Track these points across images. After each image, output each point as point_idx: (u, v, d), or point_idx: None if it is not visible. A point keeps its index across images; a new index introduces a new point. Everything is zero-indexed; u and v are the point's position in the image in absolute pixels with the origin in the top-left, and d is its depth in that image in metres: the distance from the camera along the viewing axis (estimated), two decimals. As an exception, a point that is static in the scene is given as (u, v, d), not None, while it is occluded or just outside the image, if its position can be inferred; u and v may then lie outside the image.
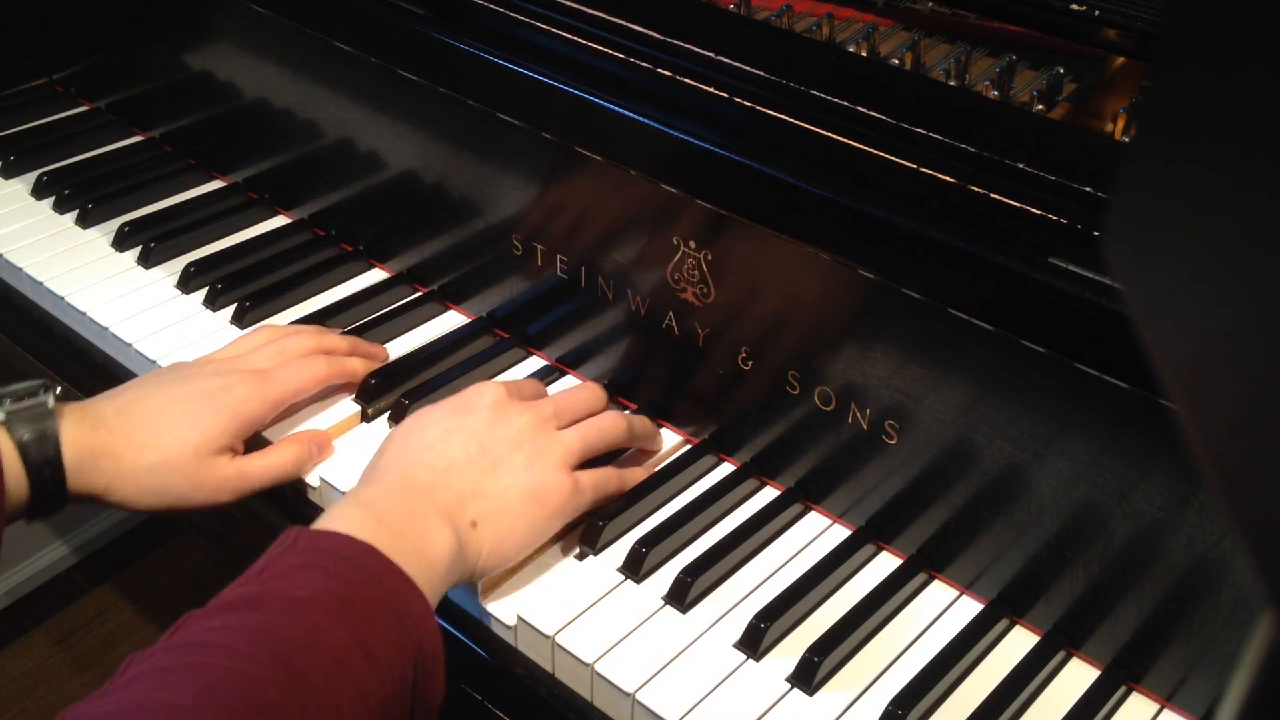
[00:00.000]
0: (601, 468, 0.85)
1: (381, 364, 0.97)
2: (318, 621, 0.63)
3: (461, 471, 0.77)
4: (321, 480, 0.88)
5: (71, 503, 0.82)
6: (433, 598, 0.70)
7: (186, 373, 0.88)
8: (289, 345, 0.93)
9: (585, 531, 0.83)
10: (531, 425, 0.81)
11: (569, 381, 0.99)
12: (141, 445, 0.82)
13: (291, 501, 0.90)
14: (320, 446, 0.90)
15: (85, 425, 0.82)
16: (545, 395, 0.88)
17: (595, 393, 0.89)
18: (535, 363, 1.00)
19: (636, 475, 0.87)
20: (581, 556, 0.83)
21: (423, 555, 0.70)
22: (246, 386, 0.87)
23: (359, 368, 0.95)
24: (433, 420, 0.80)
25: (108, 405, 0.85)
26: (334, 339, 0.97)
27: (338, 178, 1.10)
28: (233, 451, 0.86)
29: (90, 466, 0.81)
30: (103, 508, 0.85)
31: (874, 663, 0.78)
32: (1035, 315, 0.71)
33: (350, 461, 0.90)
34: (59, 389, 0.83)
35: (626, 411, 0.90)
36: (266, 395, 0.88)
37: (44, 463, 0.79)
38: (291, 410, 0.92)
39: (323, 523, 0.70)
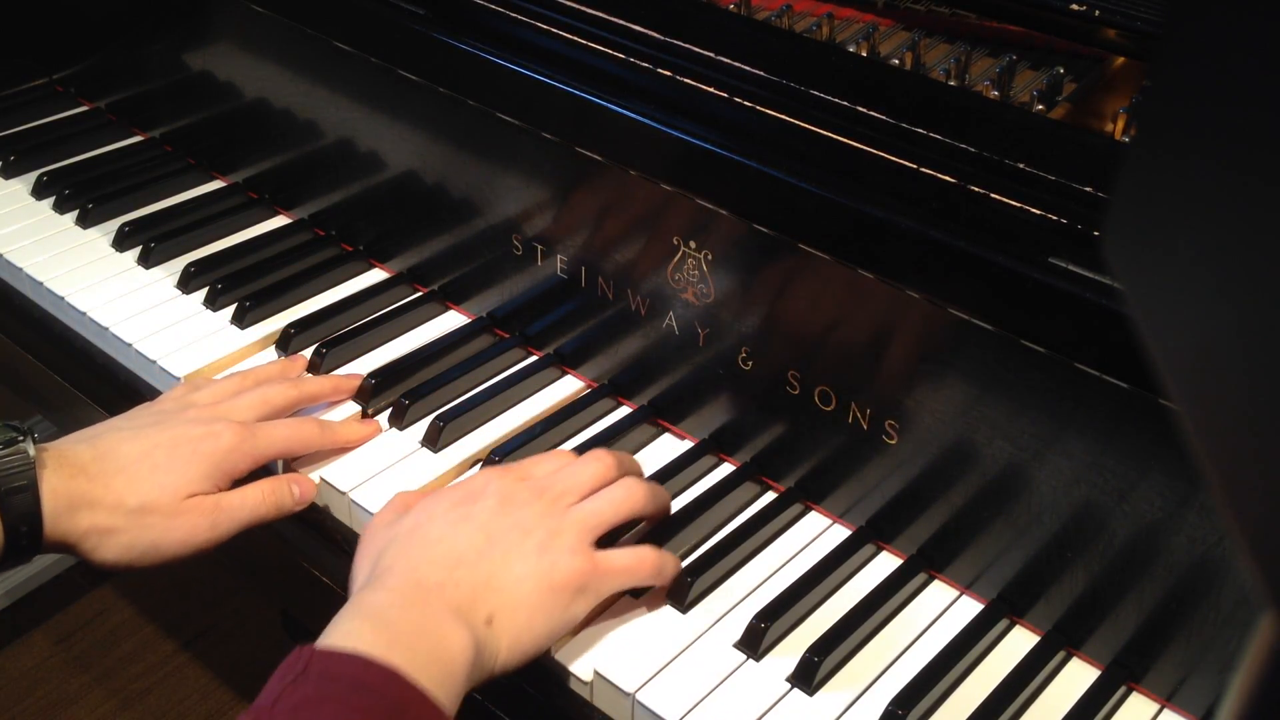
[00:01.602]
0: (633, 548, 0.79)
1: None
2: None
3: (471, 566, 0.72)
4: (321, 479, 0.88)
5: (46, 553, 0.79)
6: (453, 709, 0.66)
7: (166, 417, 0.85)
8: (271, 396, 0.90)
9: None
10: (541, 509, 0.76)
11: (569, 382, 0.99)
12: (120, 492, 0.79)
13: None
14: (304, 488, 0.86)
15: (64, 473, 0.78)
16: (567, 465, 0.82)
17: (605, 463, 0.82)
18: (535, 363, 1.00)
19: (669, 565, 0.80)
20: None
21: (441, 664, 0.66)
22: (232, 438, 0.84)
23: (350, 436, 0.91)
24: (436, 513, 0.75)
25: (85, 451, 0.81)
26: (315, 385, 0.93)
27: (338, 178, 1.10)
28: (212, 495, 0.83)
29: (68, 516, 0.78)
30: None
31: (874, 663, 0.78)
32: (1035, 315, 0.71)
33: (351, 461, 0.89)
34: (35, 434, 0.79)
35: (638, 480, 0.83)
36: (252, 450, 0.85)
37: (22, 516, 0.76)
38: (292, 412, 0.92)
39: (332, 639, 0.65)
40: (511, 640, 0.71)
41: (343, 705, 0.61)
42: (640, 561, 0.78)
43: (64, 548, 0.80)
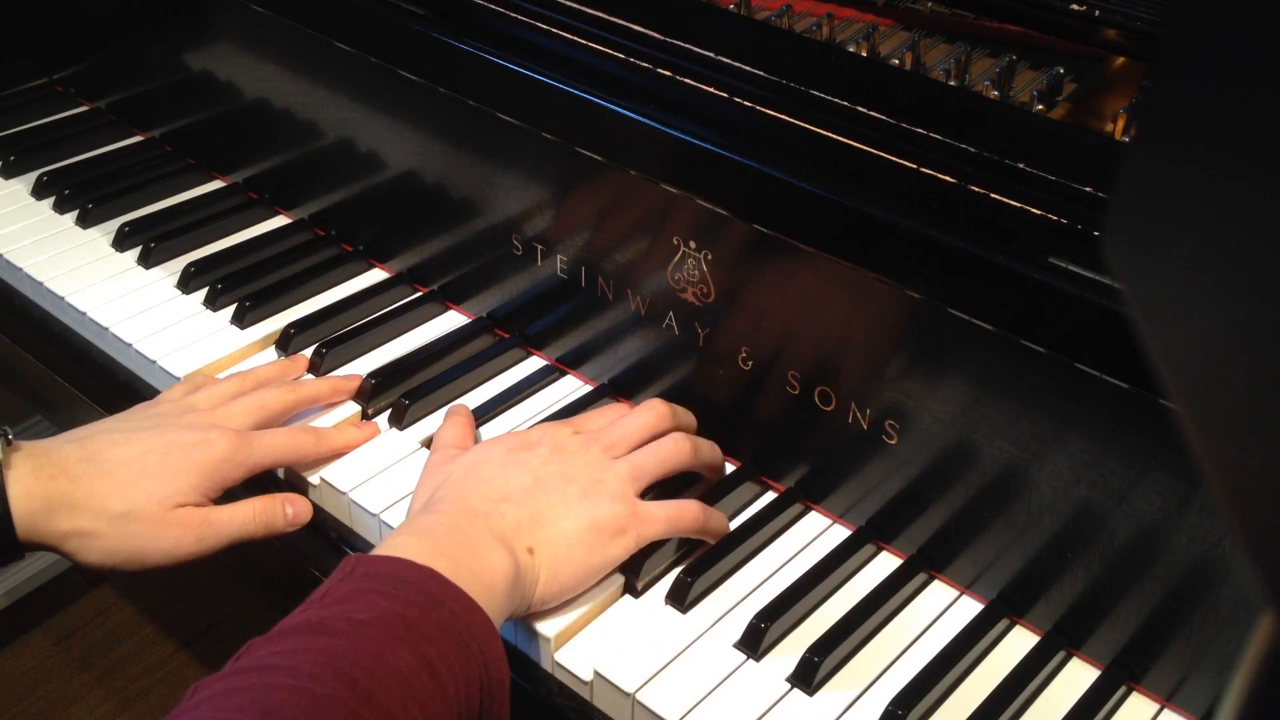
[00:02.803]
0: (678, 500, 0.81)
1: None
2: (382, 643, 0.62)
3: (517, 502, 0.75)
4: (321, 480, 0.88)
5: (28, 552, 0.79)
6: (496, 619, 0.69)
7: (161, 421, 0.85)
8: (268, 401, 0.89)
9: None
10: (590, 459, 0.80)
11: (569, 381, 0.99)
12: (104, 496, 0.78)
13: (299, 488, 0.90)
14: (297, 509, 0.86)
15: (43, 475, 0.78)
16: (621, 417, 0.85)
17: (659, 414, 0.85)
18: (535, 362, 1.00)
19: (717, 517, 0.83)
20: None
21: (481, 579, 0.69)
22: (226, 446, 0.83)
23: (347, 441, 0.90)
24: (491, 456, 0.79)
25: (71, 451, 0.80)
26: (313, 388, 0.93)
27: (338, 178, 1.10)
28: (200, 506, 0.82)
29: (45, 518, 0.77)
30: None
31: (874, 663, 0.78)
32: (1035, 315, 0.71)
33: (351, 461, 0.89)
34: (10, 434, 0.78)
35: (686, 436, 0.85)
36: (245, 459, 0.84)
37: None
38: (291, 416, 0.92)
39: (379, 550, 0.69)
40: (550, 572, 0.74)
41: (384, 596, 0.64)
42: (683, 512, 0.80)
43: (46, 548, 0.79)
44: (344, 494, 0.87)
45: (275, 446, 0.86)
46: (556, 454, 0.79)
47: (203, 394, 0.89)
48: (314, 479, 0.88)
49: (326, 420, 0.93)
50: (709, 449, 0.87)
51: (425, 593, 0.66)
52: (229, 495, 0.85)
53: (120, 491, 0.79)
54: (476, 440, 0.89)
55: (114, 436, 0.82)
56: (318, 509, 0.89)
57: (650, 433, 0.84)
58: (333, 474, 0.88)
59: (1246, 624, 0.70)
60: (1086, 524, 0.74)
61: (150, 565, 0.81)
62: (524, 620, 0.77)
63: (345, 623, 0.63)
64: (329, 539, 0.88)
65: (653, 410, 0.85)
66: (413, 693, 0.61)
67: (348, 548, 0.86)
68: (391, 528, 0.84)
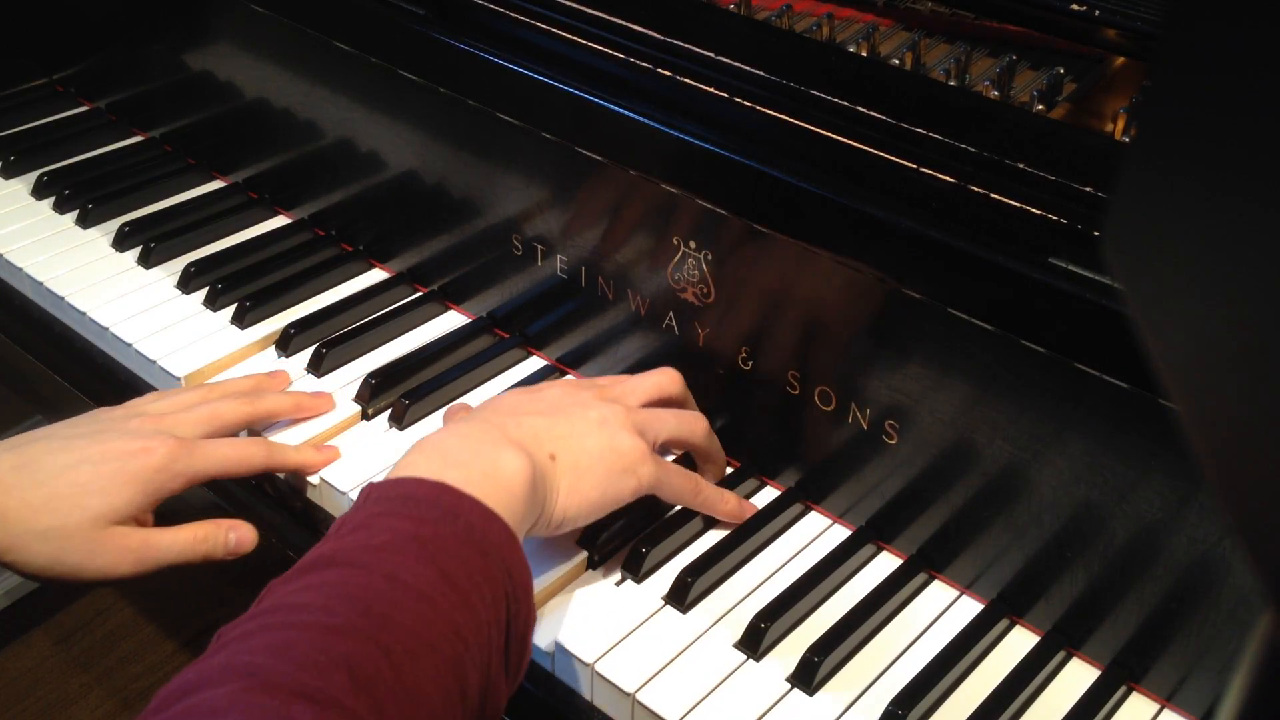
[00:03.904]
0: (690, 471, 0.83)
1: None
2: (397, 563, 0.61)
3: (534, 419, 0.75)
4: (321, 480, 0.88)
5: None
6: (513, 524, 0.67)
7: (104, 426, 0.82)
8: (222, 410, 0.86)
9: (586, 532, 0.83)
10: (602, 400, 0.80)
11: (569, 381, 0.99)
12: (36, 509, 0.76)
13: (289, 499, 0.90)
14: (241, 537, 0.83)
15: None
16: (627, 377, 0.86)
17: (669, 375, 0.86)
18: (535, 363, 1.00)
19: (712, 490, 0.84)
20: (581, 556, 0.83)
21: (497, 482, 0.68)
22: (165, 455, 0.80)
23: (304, 460, 0.88)
24: (506, 394, 0.81)
25: (5, 459, 0.78)
26: (273, 402, 0.90)
27: (338, 178, 1.10)
28: (138, 522, 0.80)
29: None
30: None
31: (874, 663, 0.78)
32: (1035, 315, 0.71)
33: (350, 462, 0.89)
34: None
35: (703, 418, 0.86)
36: (186, 468, 0.81)
37: None
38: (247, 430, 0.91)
39: (392, 473, 0.69)
40: (572, 482, 0.74)
41: (396, 518, 0.64)
42: (689, 477, 0.82)
43: None
44: (344, 494, 0.87)
45: (219, 456, 0.83)
46: (571, 392, 0.80)
47: (161, 402, 0.87)
48: (314, 479, 0.88)
49: (324, 420, 0.93)
50: (718, 445, 0.87)
51: (439, 507, 0.65)
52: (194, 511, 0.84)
53: (52, 504, 0.76)
54: None
55: (51, 444, 0.79)
56: (318, 509, 0.89)
57: (659, 391, 0.84)
58: (332, 474, 0.88)
59: (1246, 624, 0.70)
60: (1086, 524, 0.74)
61: (86, 580, 0.79)
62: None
63: (359, 550, 0.62)
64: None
65: (663, 372, 0.86)
66: (433, 607, 0.60)
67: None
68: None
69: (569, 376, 0.98)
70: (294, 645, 0.57)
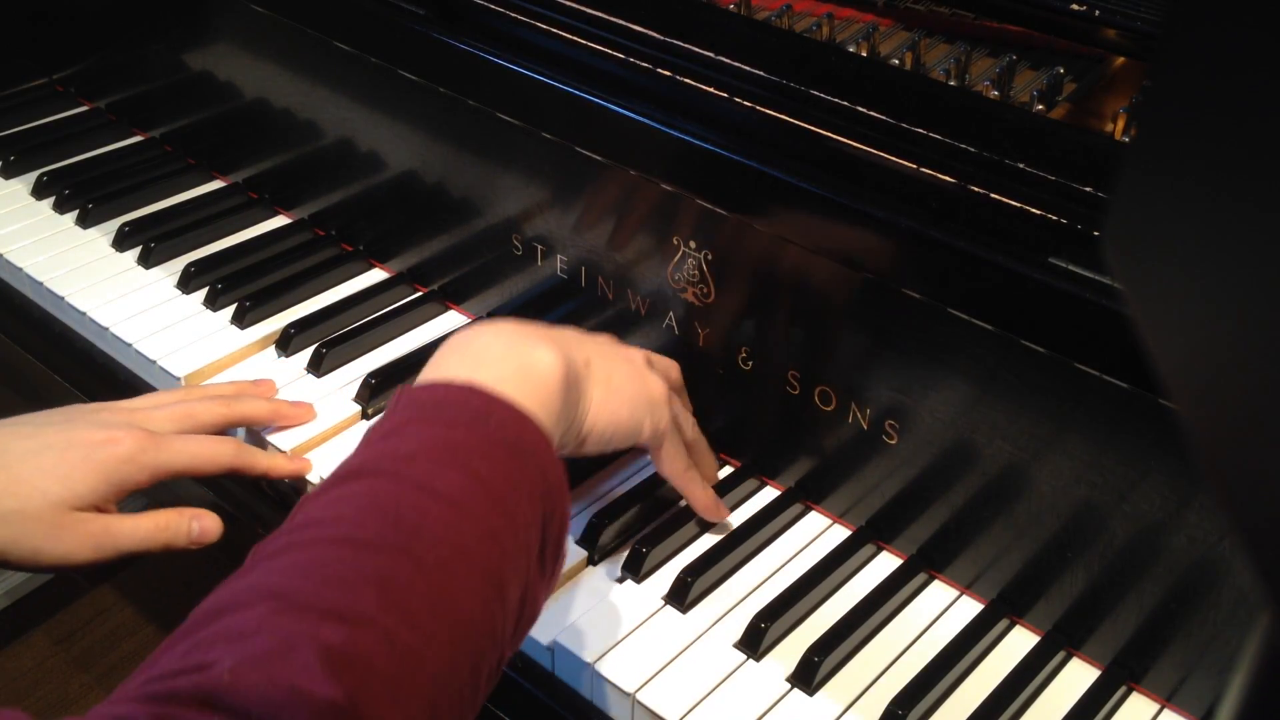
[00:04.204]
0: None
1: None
2: (428, 471, 0.60)
3: (565, 334, 0.74)
4: (320, 480, 0.88)
5: None
6: (548, 423, 0.66)
7: (74, 417, 0.82)
8: (197, 410, 0.86)
9: (586, 533, 0.84)
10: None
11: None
12: None
13: (290, 499, 0.90)
14: (204, 526, 0.82)
15: None
16: None
17: (677, 367, 0.87)
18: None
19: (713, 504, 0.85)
20: (581, 556, 0.83)
21: (531, 378, 0.67)
22: (131, 446, 0.79)
23: (271, 465, 0.87)
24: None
25: None
26: (251, 407, 0.90)
27: (338, 178, 1.10)
28: (101, 510, 0.79)
29: None
30: None
31: (874, 663, 0.78)
32: (1035, 315, 0.71)
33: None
34: None
35: None
36: (151, 461, 0.80)
37: None
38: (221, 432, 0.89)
39: (423, 374, 0.68)
40: (604, 393, 0.73)
41: (425, 423, 0.63)
42: (689, 459, 0.82)
43: None
44: None
45: (187, 453, 0.82)
46: (591, 334, 0.79)
47: (140, 398, 0.87)
48: (313, 477, 0.88)
49: (324, 419, 0.93)
50: (708, 446, 0.87)
51: (470, 409, 0.63)
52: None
53: (13, 488, 0.76)
54: None
55: (20, 429, 0.79)
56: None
57: (671, 371, 0.86)
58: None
59: (1246, 624, 0.70)
60: (1086, 524, 0.74)
61: (46, 565, 0.78)
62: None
63: (389, 459, 0.61)
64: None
65: (671, 361, 0.87)
66: (465, 513, 0.59)
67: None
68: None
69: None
70: (322, 563, 0.55)
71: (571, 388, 0.70)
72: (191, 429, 0.85)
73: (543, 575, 0.63)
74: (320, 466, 0.89)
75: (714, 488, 0.87)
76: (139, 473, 0.80)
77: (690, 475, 0.83)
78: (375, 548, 0.56)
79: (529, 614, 0.62)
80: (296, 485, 0.90)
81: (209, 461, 0.83)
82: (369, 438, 0.64)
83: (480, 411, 0.63)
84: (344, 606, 0.53)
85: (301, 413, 0.92)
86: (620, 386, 0.75)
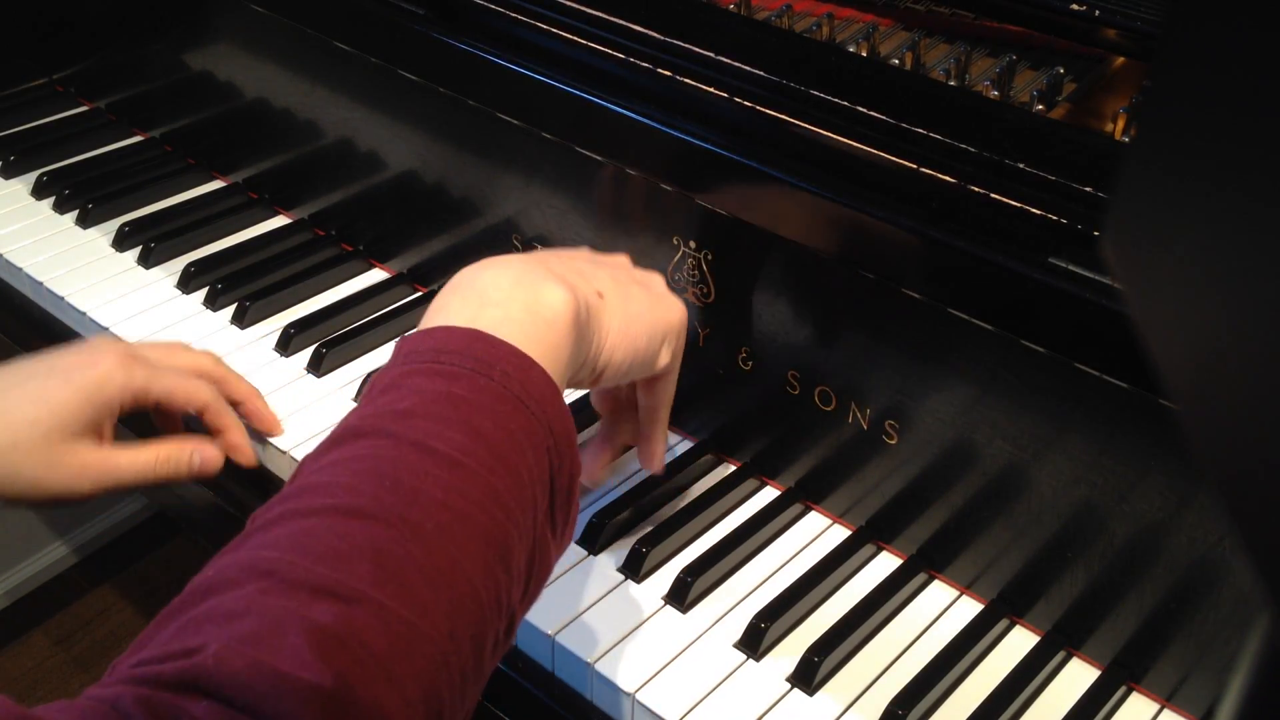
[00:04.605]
0: None
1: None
2: (427, 429, 0.57)
3: (577, 261, 0.71)
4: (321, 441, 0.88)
5: None
6: (557, 367, 0.64)
7: (61, 350, 0.82)
8: (182, 352, 0.87)
9: (586, 532, 0.84)
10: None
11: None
12: None
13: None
14: (205, 457, 0.83)
15: None
16: None
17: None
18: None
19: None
20: (581, 556, 0.83)
21: (539, 317, 0.64)
22: (110, 366, 0.79)
23: (249, 401, 0.88)
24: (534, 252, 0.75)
25: None
26: (237, 383, 0.89)
27: (338, 178, 1.10)
28: (98, 438, 0.79)
29: None
30: (107, 506, 0.83)
31: (874, 663, 0.78)
32: (1035, 315, 0.71)
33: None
34: None
35: None
36: (129, 380, 0.80)
37: None
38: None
39: (426, 317, 0.65)
40: (621, 325, 0.70)
41: (426, 375, 0.60)
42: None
43: None
44: None
45: (166, 381, 0.82)
46: (602, 255, 0.77)
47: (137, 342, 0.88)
48: (284, 444, 0.88)
49: (323, 418, 0.93)
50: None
51: (472, 358, 0.60)
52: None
53: (6, 421, 0.76)
54: None
55: (6, 368, 0.80)
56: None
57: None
58: (333, 474, 0.88)
59: (1246, 624, 0.70)
60: (1086, 524, 0.74)
61: (47, 497, 0.78)
62: (525, 621, 0.77)
63: (388, 417, 0.58)
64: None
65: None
66: (467, 476, 0.56)
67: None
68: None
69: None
70: (315, 535, 0.53)
71: (583, 324, 0.67)
72: (177, 365, 0.85)
73: (554, 531, 0.61)
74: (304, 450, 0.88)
75: (713, 488, 0.87)
76: (119, 392, 0.79)
77: (666, 416, 0.80)
78: (371, 516, 0.54)
79: (539, 573, 0.60)
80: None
81: (187, 396, 0.83)
82: (370, 392, 0.61)
83: (483, 361, 0.60)
84: (336, 582, 0.51)
85: (269, 421, 0.90)
86: (638, 314, 0.71)
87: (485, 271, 0.67)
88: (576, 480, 0.63)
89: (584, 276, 0.70)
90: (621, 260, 0.77)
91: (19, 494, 0.77)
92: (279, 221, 1.17)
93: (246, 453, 0.87)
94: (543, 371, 0.62)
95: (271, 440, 0.90)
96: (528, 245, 0.96)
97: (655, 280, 0.77)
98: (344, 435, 0.59)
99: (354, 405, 0.94)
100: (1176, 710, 0.75)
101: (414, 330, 0.64)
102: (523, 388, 0.60)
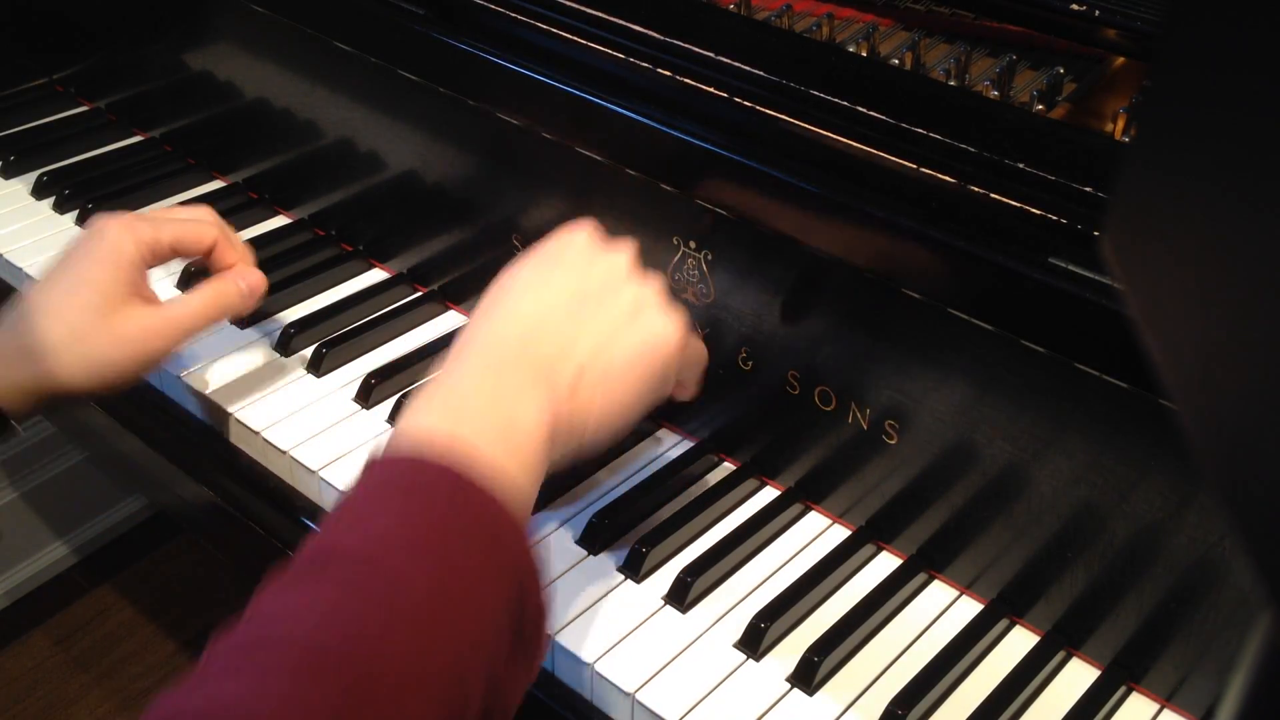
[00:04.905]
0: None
1: (257, 293, 0.93)
2: (397, 564, 0.57)
3: (558, 324, 0.68)
4: (320, 479, 0.88)
5: (19, 418, 0.84)
6: (532, 476, 0.64)
7: (67, 246, 0.88)
8: (178, 208, 0.94)
9: (586, 532, 0.84)
10: (631, 263, 0.73)
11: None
12: (47, 329, 0.82)
13: (291, 501, 0.90)
14: (250, 281, 0.89)
15: None
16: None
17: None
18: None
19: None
20: (581, 556, 0.83)
21: (512, 434, 0.64)
22: (116, 231, 0.86)
23: (241, 289, 0.91)
24: (519, 276, 0.72)
25: (8, 315, 0.85)
26: (234, 235, 0.94)
27: (338, 178, 1.10)
28: (144, 300, 0.86)
29: (11, 373, 0.82)
30: (107, 506, 0.84)
31: (874, 663, 0.78)
32: (1035, 315, 0.71)
33: (350, 461, 0.89)
34: None
35: None
36: (139, 236, 0.87)
37: None
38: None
39: (401, 428, 0.64)
40: (604, 405, 0.68)
41: (394, 514, 0.59)
42: (703, 360, 0.79)
43: (36, 400, 0.84)
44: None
45: (174, 226, 0.89)
46: (594, 258, 0.73)
47: None
48: (313, 486, 0.88)
49: (325, 415, 0.93)
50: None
51: (442, 495, 0.60)
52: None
53: (58, 318, 0.83)
54: None
55: (35, 285, 0.86)
56: (321, 510, 0.89)
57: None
58: (332, 474, 0.88)
59: (1246, 624, 0.70)
60: (1086, 524, 0.74)
61: (127, 369, 0.85)
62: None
63: (359, 544, 0.58)
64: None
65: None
66: (433, 620, 0.56)
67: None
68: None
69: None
70: (270, 686, 0.52)
71: (557, 436, 0.66)
72: (177, 215, 0.92)
73: (518, 664, 0.61)
74: (316, 460, 0.89)
75: (713, 488, 0.87)
76: (137, 247, 0.86)
77: (697, 375, 0.79)
78: (328, 670, 0.53)
79: (503, 705, 0.60)
80: (287, 481, 0.90)
81: (196, 236, 0.90)
82: (340, 512, 0.61)
83: (453, 499, 0.61)
84: None
85: (259, 281, 0.93)
86: (621, 375, 0.69)
87: (466, 377, 0.67)
88: (544, 613, 0.63)
89: (565, 357, 0.68)
90: (609, 274, 0.72)
91: (105, 381, 0.84)
92: (279, 221, 1.17)
93: (260, 276, 0.93)
94: (511, 518, 0.61)
95: (270, 437, 0.91)
96: (528, 245, 0.96)
97: (648, 294, 0.73)
98: (314, 559, 0.58)
99: (354, 404, 0.95)
100: (1176, 710, 0.75)
101: (390, 445, 0.63)
102: (495, 522, 0.61)
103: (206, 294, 0.88)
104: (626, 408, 0.70)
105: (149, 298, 0.87)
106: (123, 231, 0.86)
